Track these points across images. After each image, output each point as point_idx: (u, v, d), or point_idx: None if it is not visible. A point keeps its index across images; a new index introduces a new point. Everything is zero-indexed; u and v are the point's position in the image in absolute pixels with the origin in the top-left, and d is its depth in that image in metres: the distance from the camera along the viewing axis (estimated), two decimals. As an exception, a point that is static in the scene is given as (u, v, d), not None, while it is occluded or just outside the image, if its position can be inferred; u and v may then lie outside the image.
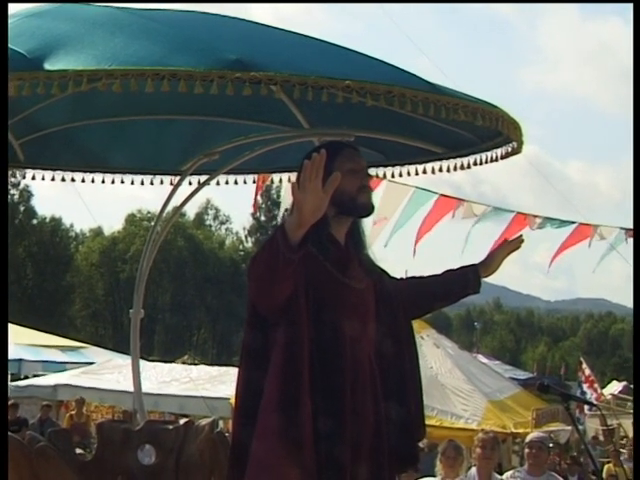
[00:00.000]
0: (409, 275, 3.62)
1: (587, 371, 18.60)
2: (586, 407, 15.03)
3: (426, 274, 3.55)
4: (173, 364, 18.41)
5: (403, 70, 3.39)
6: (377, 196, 10.82)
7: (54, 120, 4.83)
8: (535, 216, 12.31)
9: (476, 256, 3.64)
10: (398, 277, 3.50)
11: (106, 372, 15.53)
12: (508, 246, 3.56)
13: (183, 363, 22.08)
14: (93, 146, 5.18)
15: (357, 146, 3.44)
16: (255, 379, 2.95)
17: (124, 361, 15.79)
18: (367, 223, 3.30)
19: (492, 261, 3.53)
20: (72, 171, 5.29)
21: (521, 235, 3.66)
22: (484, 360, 19.79)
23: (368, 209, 3.18)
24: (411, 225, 12.00)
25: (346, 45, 3.57)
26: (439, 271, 3.52)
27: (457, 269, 3.51)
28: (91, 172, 5.30)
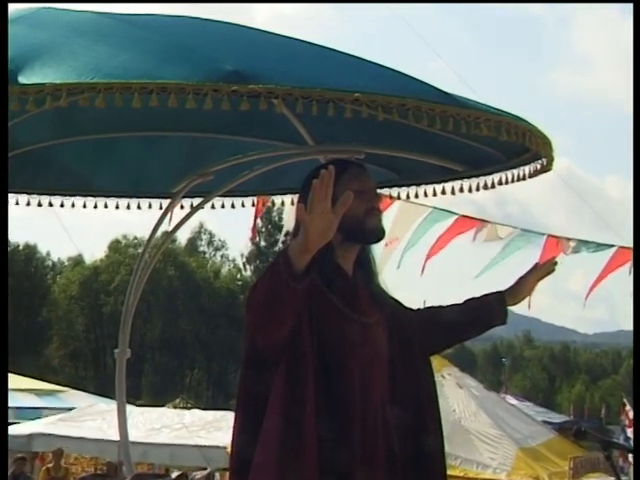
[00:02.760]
0: (427, 305, 3.63)
1: (631, 413, 18.50)
2: (631, 455, 14.93)
3: (445, 303, 3.56)
4: (163, 409, 18.40)
5: (418, 80, 3.42)
6: (389, 217, 10.85)
7: (30, 138, 4.86)
8: (569, 239, 12.28)
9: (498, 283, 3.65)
10: (414, 307, 3.51)
11: (88, 419, 15.51)
12: (540, 271, 3.56)
13: (175, 407, 22.05)
14: (73, 167, 5.21)
15: (367, 164, 3.46)
16: (252, 426, 2.95)
17: (108, 406, 15.76)
18: (377, 245, 3.32)
19: (521, 288, 3.53)
20: (50, 194, 5.33)
21: (554, 257, 3.66)
22: (513, 401, 19.73)
23: (378, 234, 3.19)
24: (424, 243, 12.02)
25: (355, 49, 3.61)
26: (452, 295, 3.53)
27: (480, 297, 3.51)
28: (71, 195, 5.34)
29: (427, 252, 12.25)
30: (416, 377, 3.27)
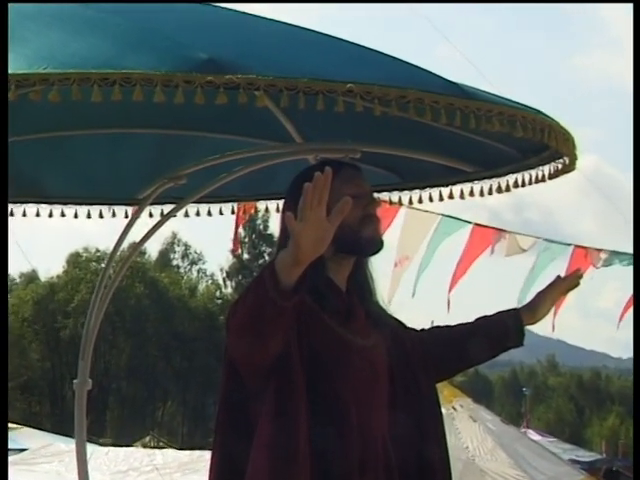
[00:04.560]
0: (434, 325, 3.66)
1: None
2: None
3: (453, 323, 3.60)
4: (131, 448, 18.37)
5: (421, 68, 3.45)
6: (396, 229, 10.85)
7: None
8: (599, 250, 12.33)
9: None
10: (418, 328, 3.54)
11: (43, 461, 15.49)
12: (562, 284, 3.60)
13: (144, 446, 22.06)
14: (24, 170, 5.21)
15: (363, 165, 3.50)
16: (233, 466, 2.97)
17: (66, 446, 15.75)
18: (382, 263, 3.35)
19: (540, 304, 3.57)
20: (-3, 201, 5.34)
21: (580, 269, 3.69)
22: (536, 437, 19.77)
23: (375, 245, 3.23)
24: (439, 264, 11.96)
25: (352, 33, 3.62)
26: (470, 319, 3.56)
27: (493, 315, 3.55)
28: (22, 203, 5.34)
29: (449, 280, 12.17)
30: (420, 408, 3.30)
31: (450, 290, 12.06)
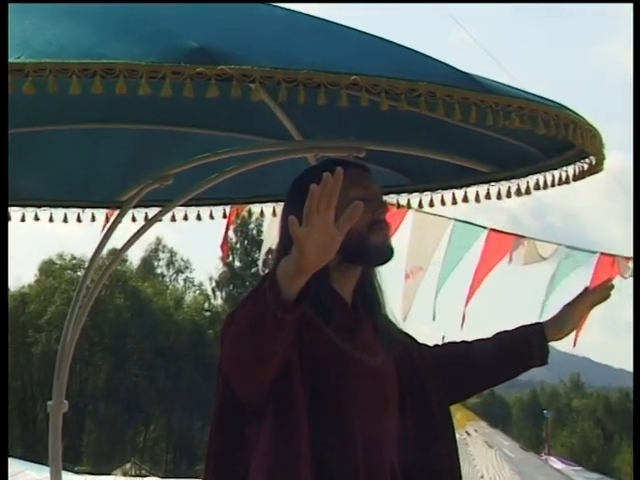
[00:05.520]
0: (446, 341, 3.67)
1: None
2: None
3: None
4: (110, 477, 18.36)
5: (432, 58, 3.46)
6: (403, 235, 10.82)
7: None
8: (627, 258, 12.34)
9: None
10: (431, 344, 3.55)
11: (13, 490, 15.49)
12: (591, 296, 3.61)
13: (125, 475, 22.06)
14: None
15: (369, 164, 3.51)
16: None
17: (38, 474, 15.75)
18: (391, 274, 3.36)
19: (567, 319, 3.58)
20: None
21: (609, 279, 3.70)
22: (559, 465, 19.75)
23: (384, 253, 3.24)
24: (456, 278, 11.89)
25: (358, 19, 3.62)
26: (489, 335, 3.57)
27: (514, 330, 3.56)
28: (-9, 205, 5.35)
29: (466, 292, 12.14)
30: (432, 432, 3.32)
31: (467, 303, 12.03)
